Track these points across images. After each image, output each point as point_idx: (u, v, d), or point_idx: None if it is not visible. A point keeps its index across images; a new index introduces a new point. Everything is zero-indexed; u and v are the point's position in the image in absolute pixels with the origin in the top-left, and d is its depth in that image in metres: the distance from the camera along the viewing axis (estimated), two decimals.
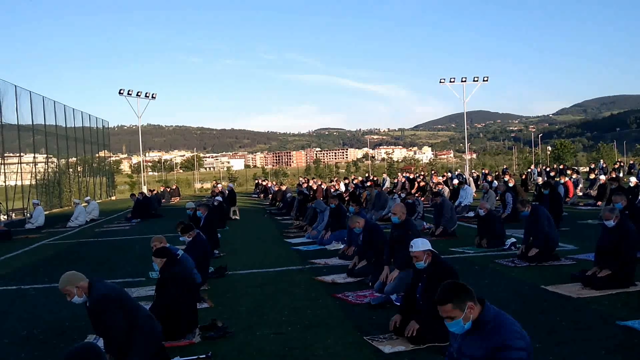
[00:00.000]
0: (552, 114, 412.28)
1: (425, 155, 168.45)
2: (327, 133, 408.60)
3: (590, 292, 6.49)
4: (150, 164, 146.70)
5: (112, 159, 56.40)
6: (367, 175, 38.77)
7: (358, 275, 8.00)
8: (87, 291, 4.32)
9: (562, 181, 19.01)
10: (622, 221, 6.80)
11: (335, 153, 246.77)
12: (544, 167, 39.19)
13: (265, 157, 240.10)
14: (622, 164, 37.18)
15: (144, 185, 41.26)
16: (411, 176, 29.38)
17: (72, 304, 4.45)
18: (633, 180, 16.63)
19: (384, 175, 33.44)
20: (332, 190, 23.92)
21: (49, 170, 29.66)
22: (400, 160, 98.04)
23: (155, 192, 29.69)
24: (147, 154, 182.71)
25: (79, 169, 35.55)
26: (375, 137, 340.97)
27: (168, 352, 4.65)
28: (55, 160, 31.06)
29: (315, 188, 24.22)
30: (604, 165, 34.45)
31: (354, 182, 28.08)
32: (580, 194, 20.75)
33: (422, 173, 37.32)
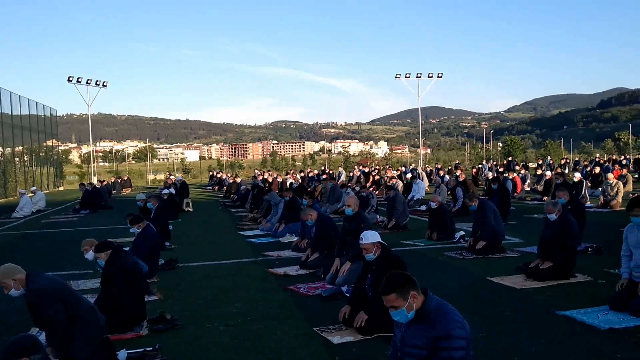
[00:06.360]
0: (504, 111, 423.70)
1: (381, 149, 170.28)
2: (284, 126, 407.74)
3: (533, 284, 6.72)
4: (101, 154, 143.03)
5: (60, 148, 54.64)
6: (322, 168, 38.90)
7: (310, 267, 8.04)
8: (24, 284, 4.22)
9: (511, 177, 19.57)
10: (564, 215, 7.06)
11: (292, 146, 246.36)
12: (494, 163, 40.31)
13: (220, 148, 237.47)
14: (568, 160, 38.55)
15: (94, 175, 40.19)
16: (367, 170, 29.65)
17: (14, 297, 4.33)
18: (577, 175, 17.28)
19: (340, 169, 33.61)
20: (292, 181, 23.88)
21: None
22: (356, 154, 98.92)
23: (105, 182, 28.97)
24: (97, 144, 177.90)
25: (25, 159, 34.30)
26: (333, 130, 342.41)
27: (114, 345, 4.56)
28: (0, 148, 29.89)
29: (270, 180, 24.17)
30: (551, 162, 35.65)
31: (309, 175, 28.13)
32: (528, 189, 21.42)
33: (377, 167, 37.70)
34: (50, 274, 4.62)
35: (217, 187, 32.34)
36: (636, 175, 23.68)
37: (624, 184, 16.42)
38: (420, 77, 41.04)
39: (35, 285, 4.20)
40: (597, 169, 21.81)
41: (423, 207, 16.19)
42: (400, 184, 20.71)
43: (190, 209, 19.22)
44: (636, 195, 7.63)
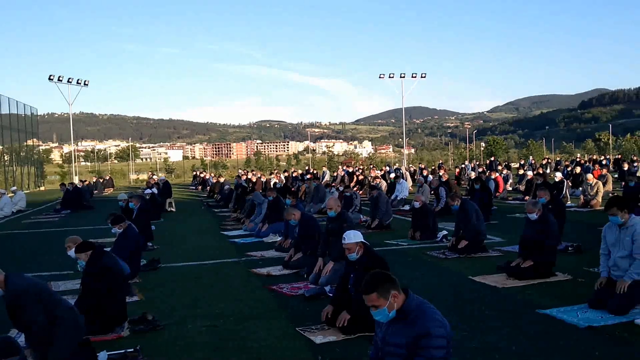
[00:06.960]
0: (487, 112, 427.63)
1: (366, 149, 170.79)
2: (268, 125, 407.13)
3: (514, 282, 6.78)
4: (82, 153, 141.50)
5: (41, 147, 54.03)
6: (307, 168, 38.89)
7: (294, 267, 8.03)
8: (3, 285, 4.17)
9: (493, 176, 19.73)
10: (544, 214, 7.13)
11: (276, 145, 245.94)
12: (477, 163, 40.64)
13: (204, 148, 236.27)
14: (549, 160, 38.99)
15: (76, 175, 39.78)
16: (350, 170, 29.70)
17: None
18: (558, 175, 17.48)
19: (324, 169, 33.61)
20: (276, 180, 23.86)
21: None
22: (340, 154, 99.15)
23: (87, 182, 28.67)
24: (79, 144, 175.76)
25: (5, 158, 33.89)
26: (317, 130, 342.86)
27: (94, 346, 4.52)
28: None
29: (254, 180, 24.09)
30: (533, 162, 36.04)
31: (293, 174, 28.11)
32: (510, 188, 21.61)
33: (361, 167, 37.78)
34: (30, 275, 4.57)
35: (200, 187, 32.17)
36: (616, 175, 24.00)
37: (604, 184, 16.67)
38: (404, 77, 41.21)
39: (15, 286, 4.15)
40: (578, 169, 22.09)
41: (406, 207, 16.26)
42: (383, 184, 20.78)
43: (173, 209, 19.09)
44: (615, 194, 7.75)
